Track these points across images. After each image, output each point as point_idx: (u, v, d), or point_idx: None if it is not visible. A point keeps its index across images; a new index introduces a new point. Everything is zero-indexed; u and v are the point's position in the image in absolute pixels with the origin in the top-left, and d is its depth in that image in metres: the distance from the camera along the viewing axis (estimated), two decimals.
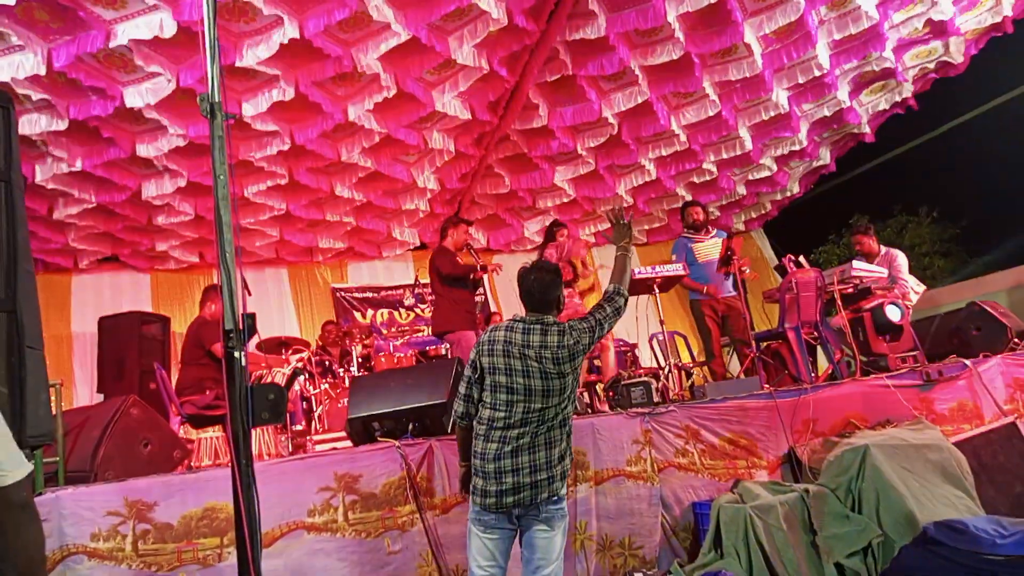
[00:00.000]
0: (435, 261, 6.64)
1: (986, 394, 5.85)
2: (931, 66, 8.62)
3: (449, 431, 4.48)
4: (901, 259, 7.21)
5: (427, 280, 6.96)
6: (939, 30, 7.91)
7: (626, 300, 3.62)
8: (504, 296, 10.95)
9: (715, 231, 7.34)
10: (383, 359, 7.15)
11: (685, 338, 8.56)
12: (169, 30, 5.62)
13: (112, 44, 5.70)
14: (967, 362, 5.96)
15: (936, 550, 3.84)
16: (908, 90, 8.95)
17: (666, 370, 6.62)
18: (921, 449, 4.88)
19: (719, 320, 7.04)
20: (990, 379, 5.92)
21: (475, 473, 3.30)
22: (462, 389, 3.42)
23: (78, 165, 7.11)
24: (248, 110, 6.86)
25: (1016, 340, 6.41)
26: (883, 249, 7.37)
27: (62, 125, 6.49)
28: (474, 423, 3.39)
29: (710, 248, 7.13)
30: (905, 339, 6.36)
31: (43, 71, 5.76)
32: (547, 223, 10.07)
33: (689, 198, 10.52)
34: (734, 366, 7.34)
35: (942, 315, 7.25)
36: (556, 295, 3.49)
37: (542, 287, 3.46)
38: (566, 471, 3.36)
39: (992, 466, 5.27)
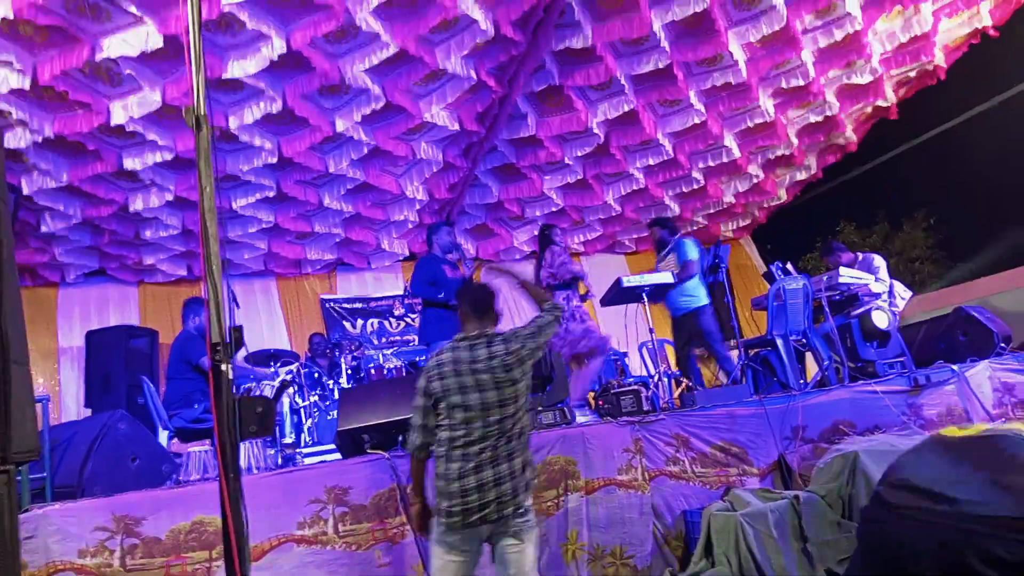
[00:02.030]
0: (413, 276, 6.66)
1: (974, 399, 5.88)
2: (913, 74, 8.69)
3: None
4: (878, 262, 7.26)
5: None
6: (921, 38, 7.98)
7: (555, 317, 3.67)
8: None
9: (672, 242, 7.22)
10: (372, 370, 7.13)
11: (675, 346, 8.57)
12: (154, 43, 5.61)
13: (97, 58, 5.69)
14: (955, 367, 6.00)
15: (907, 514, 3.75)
16: (891, 98, 9.01)
17: (656, 378, 6.63)
18: None
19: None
20: (978, 384, 5.95)
21: (439, 495, 3.28)
22: (417, 420, 3.39)
23: (64, 179, 7.08)
24: (235, 123, 6.85)
25: (1003, 345, 6.46)
26: (860, 255, 7.42)
27: (48, 138, 6.47)
28: (432, 448, 3.39)
29: (671, 266, 7.10)
30: (893, 345, 6.40)
31: (28, 85, 5.74)
32: (535, 232, 10.12)
33: (676, 207, 10.57)
34: (723, 373, 7.36)
35: (929, 321, 7.30)
36: (494, 307, 3.61)
37: (483, 300, 3.57)
38: (529, 482, 3.37)
39: None
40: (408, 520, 4.24)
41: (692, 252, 6.85)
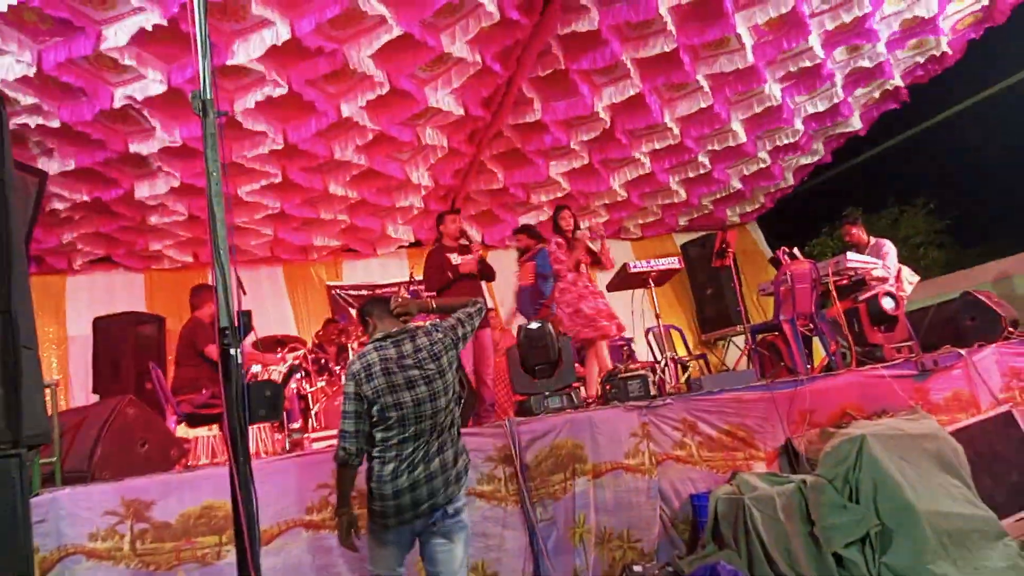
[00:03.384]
0: (423, 270, 6.62)
1: (982, 383, 5.88)
2: (921, 59, 8.63)
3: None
4: (889, 247, 7.24)
5: (422, 277, 6.92)
6: (927, 22, 7.92)
7: (477, 308, 3.72)
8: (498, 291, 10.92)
9: (536, 250, 7.02)
10: None
11: (681, 331, 8.57)
12: (159, 30, 5.60)
13: (103, 47, 5.68)
14: (962, 352, 5.99)
15: None
16: (899, 83, 8.96)
17: (662, 363, 6.63)
18: (918, 439, 4.90)
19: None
20: (985, 368, 5.95)
21: (374, 498, 3.30)
22: (350, 426, 3.32)
23: (71, 165, 7.08)
24: (240, 109, 6.83)
25: (1011, 329, 6.44)
26: (872, 240, 7.41)
27: (53, 126, 6.47)
28: (365, 453, 3.39)
29: (528, 272, 6.96)
30: (900, 329, 6.39)
31: (33, 73, 5.74)
32: (542, 218, 10.10)
33: (683, 192, 10.52)
34: (730, 358, 7.36)
35: (937, 305, 7.28)
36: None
37: (386, 303, 3.64)
38: (461, 473, 3.39)
39: (988, 455, 5.29)
40: None
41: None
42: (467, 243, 6.62)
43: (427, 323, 3.56)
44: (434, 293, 6.43)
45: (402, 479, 3.23)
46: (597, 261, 6.78)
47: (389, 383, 3.28)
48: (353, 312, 10.24)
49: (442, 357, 3.41)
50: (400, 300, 3.72)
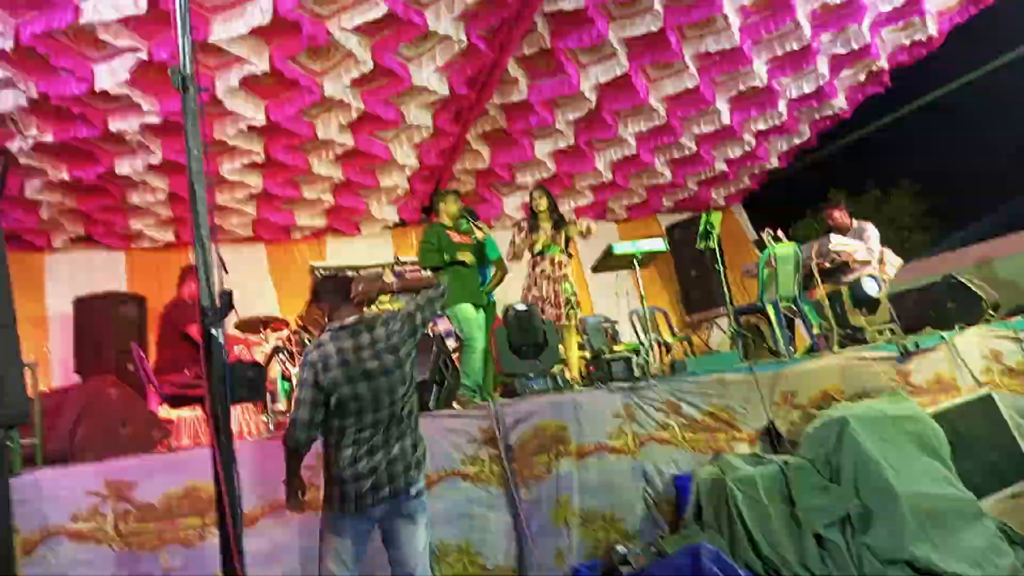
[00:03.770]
0: (420, 245, 6.50)
1: (962, 366, 5.93)
2: (907, 41, 8.63)
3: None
4: (872, 231, 7.27)
5: (406, 257, 6.87)
6: (914, 3, 7.91)
7: (439, 292, 3.69)
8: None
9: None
10: None
11: (665, 313, 8.59)
12: (140, 5, 5.51)
13: (81, 20, 5.58)
14: (943, 334, 6.04)
15: None
16: (884, 65, 8.96)
17: (647, 345, 6.64)
18: (899, 421, 4.94)
19: None
20: (966, 351, 6.00)
21: (333, 482, 3.30)
22: (305, 415, 3.27)
23: (49, 138, 6.97)
24: (221, 86, 6.74)
25: (991, 312, 6.49)
26: (855, 223, 7.44)
27: (32, 101, 6.37)
28: (323, 436, 3.39)
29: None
30: (882, 312, 6.43)
31: (10, 46, 5.63)
32: (526, 199, 10.06)
33: (668, 173, 10.51)
34: (714, 340, 7.39)
35: (918, 288, 7.33)
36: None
37: (344, 288, 3.62)
38: (420, 460, 3.41)
39: (968, 437, 5.35)
40: None
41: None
42: (470, 223, 6.54)
43: (387, 312, 3.53)
44: (427, 270, 6.38)
45: (362, 463, 3.24)
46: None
47: (346, 374, 3.26)
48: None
49: (400, 349, 3.40)
50: (362, 289, 3.69)
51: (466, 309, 6.15)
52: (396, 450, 3.31)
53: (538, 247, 6.68)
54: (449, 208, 6.54)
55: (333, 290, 3.60)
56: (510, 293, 6.92)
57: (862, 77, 9.20)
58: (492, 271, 6.78)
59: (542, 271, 6.61)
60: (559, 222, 6.76)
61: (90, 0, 5.53)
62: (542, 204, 6.81)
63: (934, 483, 4.64)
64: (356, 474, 3.23)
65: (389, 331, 3.42)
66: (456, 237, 6.38)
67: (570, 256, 6.74)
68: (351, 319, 3.47)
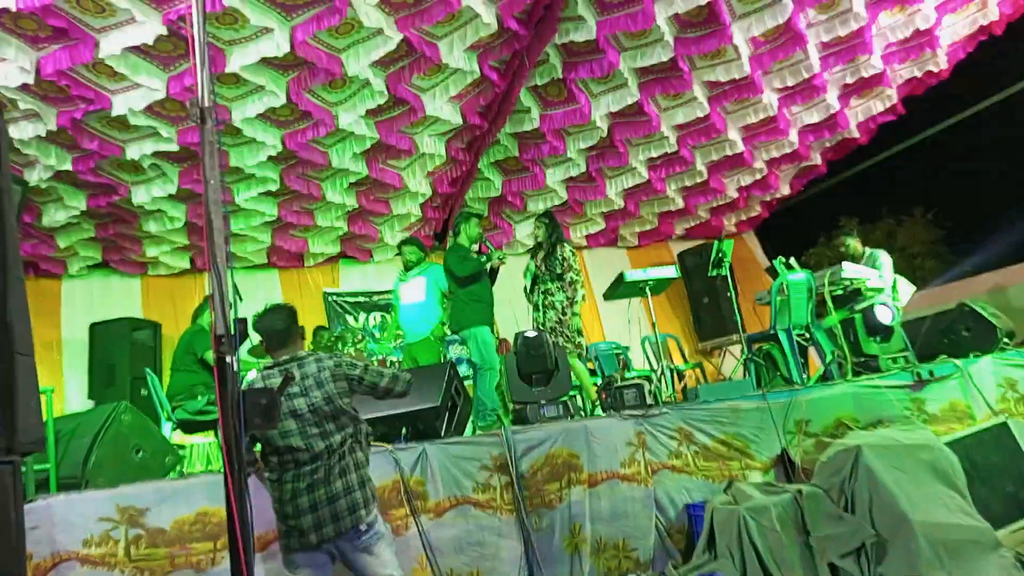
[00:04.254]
0: (447, 258, 6.52)
1: (977, 394, 5.88)
2: (918, 71, 8.66)
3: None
4: (885, 258, 7.25)
5: None
6: (924, 34, 7.96)
7: (402, 386, 3.69)
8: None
9: (427, 266, 6.97)
10: (375, 363, 7.13)
11: (677, 340, 8.58)
12: (158, 39, 5.63)
13: (101, 55, 5.70)
14: (958, 362, 5.99)
15: None
16: (895, 94, 9.00)
17: (659, 372, 6.63)
18: (913, 449, 4.90)
19: None
20: (981, 379, 5.95)
21: (278, 518, 3.34)
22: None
23: (67, 170, 7.08)
24: (238, 117, 6.85)
25: (1006, 340, 6.45)
26: (867, 250, 7.43)
27: (51, 131, 6.48)
28: (264, 474, 3.41)
29: (413, 287, 6.87)
30: (896, 340, 6.39)
31: (31, 80, 5.75)
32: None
33: (680, 200, 10.54)
34: (727, 367, 7.36)
35: (932, 316, 7.28)
36: (296, 329, 3.63)
37: (281, 323, 3.56)
38: (368, 498, 3.39)
39: (984, 466, 5.29)
40: (413, 512, 4.25)
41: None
42: (486, 249, 6.59)
43: (327, 357, 3.54)
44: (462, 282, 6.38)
45: (302, 499, 3.27)
46: None
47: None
48: (350, 319, 10.24)
49: (327, 384, 3.39)
50: None
51: (487, 332, 6.18)
52: (339, 487, 3.30)
53: (527, 278, 6.80)
54: (471, 231, 6.58)
55: (266, 329, 3.57)
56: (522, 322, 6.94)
57: (874, 106, 9.23)
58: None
59: (535, 302, 6.71)
60: (550, 251, 6.76)
61: (109, 33, 5.65)
62: (539, 234, 6.88)
63: (950, 513, 4.58)
64: (297, 509, 3.27)
65: (321, 367, 3.43)
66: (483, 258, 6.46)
67: (565, 282, 6.66)
68: (284, 357, 3.52)
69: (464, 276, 6.34)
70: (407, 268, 6.98)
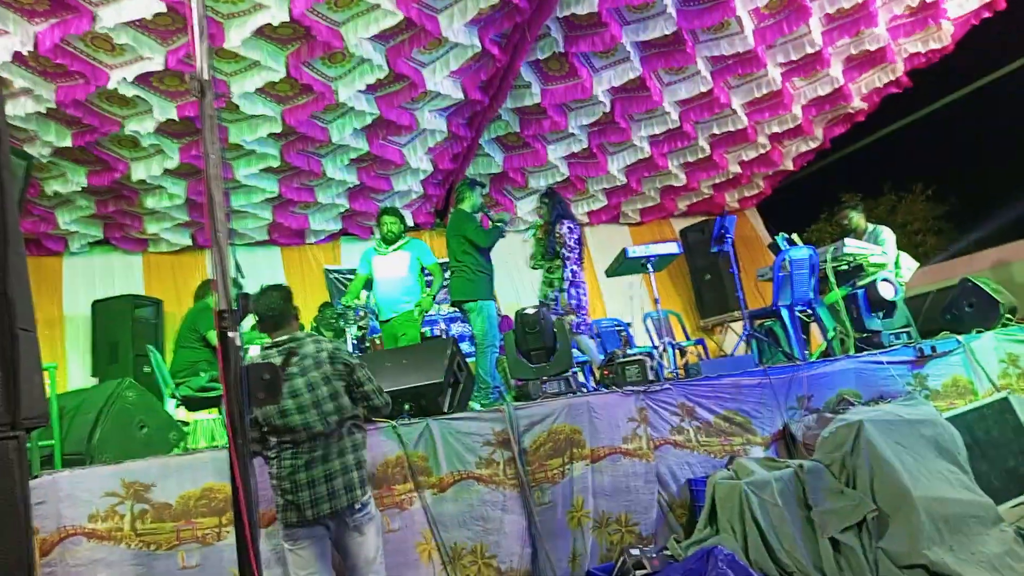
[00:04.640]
0: (463, 227, 6.28)
1: (979, 370, 5.89)
2: (922, 45, 8.58)
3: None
4: (888, 234, 7.23)
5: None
6: (930, 7, 7.88)
7: (381, 398, 3.73)
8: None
9: (408, 240, 6.78)
10: (378, 340, 7.14)
11: (679, 317, 8.57)
12: (155, 11, 5.58)
13: (98, 27, 5.65)
14: (960, 338, 6.00)
15: None
16: (900, 69, 8.92)
17: (660, 349, 6.63)
18: (915, 424, 4.91)
19: None
20: (983, 355, 5.96)
21: (276, 493, 3.41)
22: None
23: (67, 147, 7.05)
24: (237, 92, 6.80)
25: (1009, 316, 6.44)
26: (870, 226, 7.40)
27: (50, 107, 6.44)
28: (264, 451, 3.47)
29: (394, 262, 6.61)
30: (898, 316, 6.39)
31: (28, 55, 5.71)
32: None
33: (683, 176, 10.49)
34: (729, 343, 7.36)
35: (935, 292, 7.28)
36: (292, 309, 3.65)
37: (277, 305, 3.59)
38: (364, 478, 3.48)
39: (985, 441, 5.32)
40: (417, 487, 4.27)
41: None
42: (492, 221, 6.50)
43: (331, 345, 3.59)
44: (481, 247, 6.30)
45: (300, 475, 3.34)
46: None
47: None
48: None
49: (325, 365, 3.46)
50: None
51: (493, 307, 6.16)
52: (336, 465, 3.38)
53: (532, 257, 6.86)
54: (474, 200, 6.51)
55: (263, 310, 3.58)
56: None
57: (878, 80, 9.16)
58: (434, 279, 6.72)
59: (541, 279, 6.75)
60: (549, 231, 6.75)
61: (106, 7, 5.59)
62: (543, 213, 6.92)
63: (951, 487, 4.60)
64: (295, 485, 3.33)
65: (319, 348, 3.50)
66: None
67: (559, 259, 6.63)
68: (283, 337, 3.55)
69: (486, 247, 6.28)
70: (387, 240, 6.67)
